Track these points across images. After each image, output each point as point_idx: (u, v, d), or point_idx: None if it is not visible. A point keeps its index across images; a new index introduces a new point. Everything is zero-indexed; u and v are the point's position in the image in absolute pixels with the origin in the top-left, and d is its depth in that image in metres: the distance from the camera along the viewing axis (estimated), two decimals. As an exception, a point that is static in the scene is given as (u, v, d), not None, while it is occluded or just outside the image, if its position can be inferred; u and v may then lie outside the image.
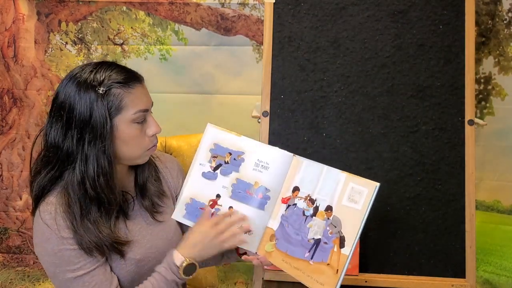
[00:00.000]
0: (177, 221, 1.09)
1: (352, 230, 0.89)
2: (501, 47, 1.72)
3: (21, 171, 1.91)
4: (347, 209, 0.91)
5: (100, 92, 0.86)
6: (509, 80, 1.74)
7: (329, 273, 0.90)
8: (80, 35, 1.81)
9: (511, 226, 1.79)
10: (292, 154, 1.00)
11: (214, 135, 1.05)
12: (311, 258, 0.93)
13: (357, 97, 1.20)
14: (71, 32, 1.81)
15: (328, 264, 0.91)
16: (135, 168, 1.01)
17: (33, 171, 0.92)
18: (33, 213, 0.92)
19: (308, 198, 0.96)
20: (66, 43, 1.82)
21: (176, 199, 1.10)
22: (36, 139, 0.95)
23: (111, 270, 0.94)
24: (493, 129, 1.75)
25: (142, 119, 0.92)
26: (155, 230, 1.01)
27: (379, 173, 1.18)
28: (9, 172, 1.91)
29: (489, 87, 1.75)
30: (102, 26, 1.80)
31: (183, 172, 1.12)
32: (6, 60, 1.83)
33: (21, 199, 1.92)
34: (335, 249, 0.91)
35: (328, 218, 0.93)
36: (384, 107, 1.19)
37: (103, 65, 0.91)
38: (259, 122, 1.22)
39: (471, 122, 1.17)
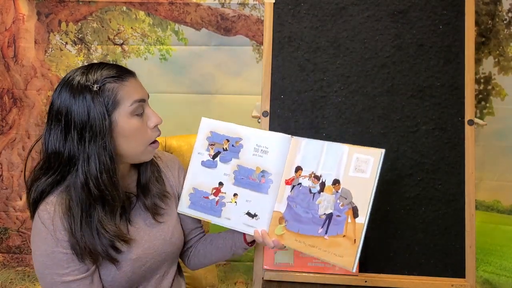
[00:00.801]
0: (180, 222, 1.09)
1: (364, 198, 0.90)
2: (501, 47, 1.72)
3: (21, 171, 1.91)
4: (355, 179, 0.92)
5: (95, 89, 0.87)
6: (509, 80, 1.74)
7: (347, 244, 0.91)
8: (80, 35, 1.81)
9: (511, 226, 1.79)
10: (290, 135, 1.01)
11: (209, 124, 1.05)
12: (326, 233, 0.93)
13: (357, 97, 1.20)
14: (71, 32, 1.81)
15: (344, 236, 0.91)
16: (138, 168, 1.01)
17: (31, 179, 0.91)
18: (32, 217, 0.91)
19: (313, 175, 0.97)
20: (66, 43, 1.82)
21: (179, 197, 1.10)
22: (31, 148, 0.95)
23: (108, 272, 0.93)
24: (493, 129, 1.75)
25: (141, 110, 0.92)
26: (153, 230, 1.01)
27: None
28: (9, 172, 1.91)
29: (489, 87, 1.75)
30: (102, 26, 1.80)
31: (184, 170, 1.13)
32: (6, 60, 1.83)
33: (21, 199, 1.92)
34: (349, 220, 0.91)
35: (337, 192, 0.93)
36: (384, 107, 1.19)
37: (93, 65, 0.91)
38: (259, 122, 1.22)
39: (471, 122, 1.17)
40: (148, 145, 0.95)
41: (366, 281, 1.15)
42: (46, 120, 0.91)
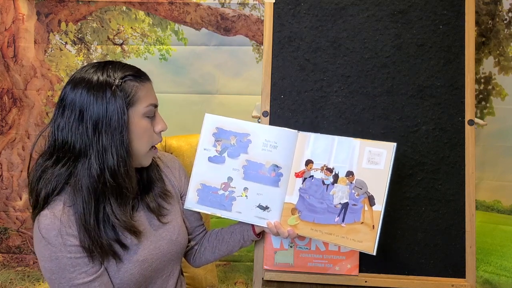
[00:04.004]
0: (183, 221, 1.09)
1: (380, 188, 0.97)
2: (501, 47, 1.72)
3: (21, 171, 1.91)
4: (369, 171, 0.98)
5: (116, 83, 0.88)
6: (509, 80, 1.74)
7: (365, 230, 0.97)
8: (80, 35, 1.81)
9: (511, 226, 1.79)
10: (296, 130, 1.06)
11: (214, 121, 1.07)
12: (343, 221, 0.99)
13: (357, 97, 1.20)
14: (71, 32, 1.81)
15: (362, 223, 0.97)
16: (139, 170, 1.02)
17: (39, 171, 0.90)
18: (33, 215, 0.90)
19: (325, 168, 1.02)
20: (66, 43, 1.82)
21: (181, 197, 1.10)
22: (35, 143, 0.94)
23: (115, 274, 0.93)
24: (493, 129, 1.75)
25: (152, 114, 0.95)
26: (159, 231, 1.01)
27: (379, 173, 1.18)
28: (9, 172, 1.91)
29: (489, 87, 1.75)
30: (102, 26, 1.80)
31: (185, 171, 1.13)
32: (6, 60, 1.83)
33: (21, 199, 1.92)
34: (366, 208, 0.97)
35: (351, 182, 0.99)
36: (384, 107, 1.19)
37: (111, 63, 0.93)
38: (259, 122, 1.22)
39: (471, 122, 1.17)
40: (150, 149, 0.97)
41: (366, 281, 1.15)
42: (55, 110, 0.91)
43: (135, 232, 0.94)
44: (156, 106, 0.96)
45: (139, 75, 0.94)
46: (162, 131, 0.98)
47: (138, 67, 0.98)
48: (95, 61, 1.80)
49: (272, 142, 1.05)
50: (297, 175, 1.04)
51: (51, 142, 0.90)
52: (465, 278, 1.15)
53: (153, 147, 0.98)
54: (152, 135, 0.96)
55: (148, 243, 0.98)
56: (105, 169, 0.88)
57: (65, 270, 0.87)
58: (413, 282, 1.15)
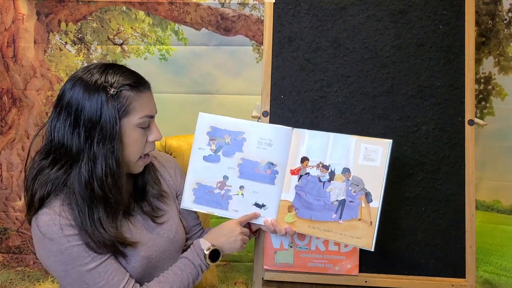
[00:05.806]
0: (180, 220, 1.09)
1: (377, 184, 0.97)
2: (501, 47, 1.72)
3: (21, 171, 1.91)
4: (366, 167, 0.98)
5: (111, 93, 0.87)
6: (509, 80, 1.74)
7: (363, 227, 0.97)
8: (79, 35, 1.81)
9: (511, 226, 1.79)
10: (291, 127, 1.06)
11: (208, 119, 1.07)
12: (340, 218, 0.99)
13: (357, 97, 1.20)
14: (71, 32, 1.81)
15: (359, 219, 0.98)
16: (135, 174, 1.01)
17: (36, 170, 0.89)
18: (29, 215, 0.90)
19: (321, 165, 1.02)
20: (66, 43, 1.82)
21: (177, 196, 1.10)
22: (34, 139, 0.94)
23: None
24: (493, 129, 1.75)
25: (147, 124, 0.93)
26: (156, 230, 1.01)
27: (379, 173, 1.18)
28: (9, 172, 1.91)
29: (489, 87, 1.75)
30: (102, 26, 1.80)
31: (181, 170, 1.13)
32: (6, 60, 1.83)
33: (20, 199, 1.92)
34: (363, 205, 0.97)
35: (348, 180, 0.99)
36: (384, 107, 1.19)
37: (113, 67, 0.91)
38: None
39: (471, 122, 1.17)
40: (140, 158, 0.95)
41: (366, 281, 1.15)
42: (53, 109, 0.90)
43: (124, 244, 0.93)
44: (152, 117, 0.94)
45: (138, 85, 0.91)
46: (156, 141, 0.97)
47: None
48: (95, 61, 1.80)
49: (267, 139, 1.05)
50: (293, 172, 1.04)
51: (47, 141, 0.90)
52: (465, 278, 1.15)
53: (145, 154, 0.97)
54: (144, 145, 0.94)
55: (146, 240, 0.98)
56: (94, 178, 0.87)
57: (79, 256, 0.87)
58: (413, 282, 1.15)
